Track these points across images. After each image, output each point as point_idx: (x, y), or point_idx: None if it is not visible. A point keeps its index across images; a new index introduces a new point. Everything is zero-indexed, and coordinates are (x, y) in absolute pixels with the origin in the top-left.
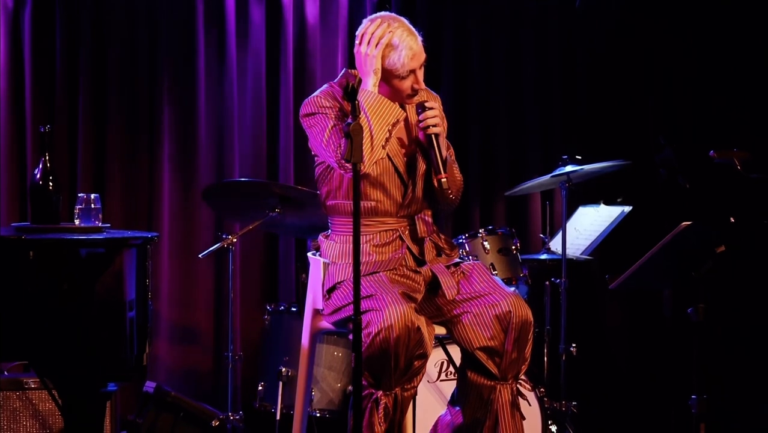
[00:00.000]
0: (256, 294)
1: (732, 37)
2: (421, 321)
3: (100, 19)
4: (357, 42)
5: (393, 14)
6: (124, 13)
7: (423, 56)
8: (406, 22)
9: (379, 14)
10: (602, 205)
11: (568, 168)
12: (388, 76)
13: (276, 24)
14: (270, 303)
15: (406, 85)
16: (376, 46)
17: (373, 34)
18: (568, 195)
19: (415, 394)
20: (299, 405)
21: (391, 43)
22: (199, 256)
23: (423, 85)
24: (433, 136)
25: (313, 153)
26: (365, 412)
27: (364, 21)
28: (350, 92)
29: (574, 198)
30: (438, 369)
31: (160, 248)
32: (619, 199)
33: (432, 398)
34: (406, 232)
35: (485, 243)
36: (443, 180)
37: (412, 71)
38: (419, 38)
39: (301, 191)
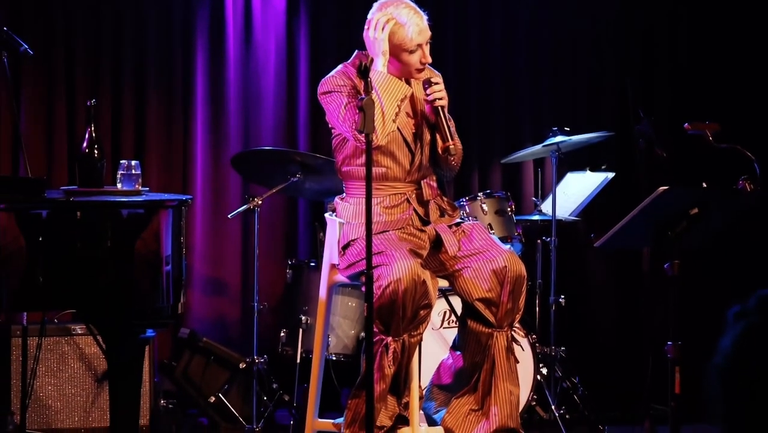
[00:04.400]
0: (279, 251)
1: (706, 20)
2: (426, 275)
3: (141, 1)
4: (366, 27)
5: None
6: None
7: (428, 33)
8: (412, 3)
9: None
10: (588, 172)
11: (558, 138)
12: (397, 52)
13: (295, 5)
14: (291, 259)
15: (415, 59)
16: (383, 30)
17: (378, 20)
18: (558, 162)
19: (421, 340)
20: (317, 350)
21: (399, 21)
22: (228, 216)
23: (430, 59)
24: (439, 108)
25: (330, 126)
26: (376, 356)
27: (374, 6)
28: (363, 70)
29: (563, 165)
30: (441, 318)
31: (193, 209)
32: (603, 167)
33: (436, 343)
34: (413, 195)
35: (483, 205)
36: (450, 147)
37: (420, 46)
38: (425, 17)
39: (319, 159)
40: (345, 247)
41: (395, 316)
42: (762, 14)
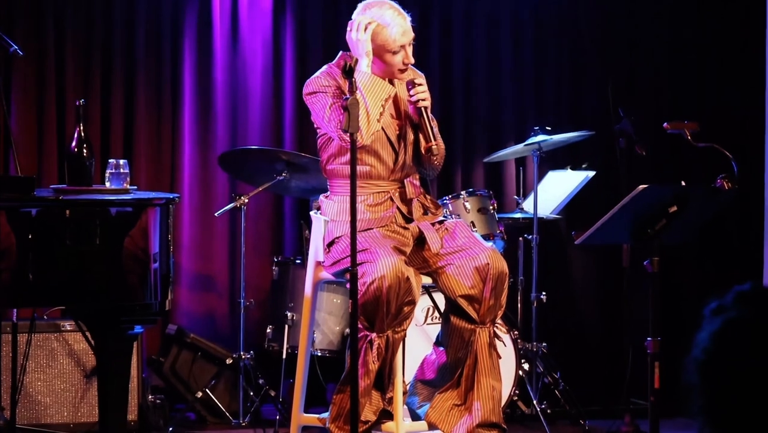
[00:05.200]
0: (266, 248)
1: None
2: (410, 272)
3: (131, 3)
4: (348, 28)
5: None
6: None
7: (412, 34)
8: (396, 4)
9: (368, 1)
10: (569, 171)
11: (540, 138)
12: (381, 52)
13: (281, 7)
14: (277, 256)
15: (398, 60)
16: (365, 31)
17: (361, 22)
18: (539, 161)
19: (405, 336)
20: (303, 346)
21: (382, 23)
22: (215, 214)
23: (413, 60)
24: (422, 108)
25: (315, 126)
26: (361, 352)
27: (358, 7)
28: (348, 71)
29: (544, 164)
30: (425, 314)
31: (181, 207)
32: (584, 165)
33: (419, 339)
34: (396, 193)
35: (466, 203)
36: (433, 147)
37: (403, 47)
38: (408, 18)
39: (305, 157)
40: (330, 244)
41: (379, 312)
42: (741, 14)
